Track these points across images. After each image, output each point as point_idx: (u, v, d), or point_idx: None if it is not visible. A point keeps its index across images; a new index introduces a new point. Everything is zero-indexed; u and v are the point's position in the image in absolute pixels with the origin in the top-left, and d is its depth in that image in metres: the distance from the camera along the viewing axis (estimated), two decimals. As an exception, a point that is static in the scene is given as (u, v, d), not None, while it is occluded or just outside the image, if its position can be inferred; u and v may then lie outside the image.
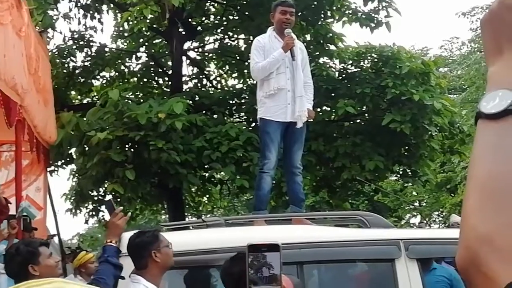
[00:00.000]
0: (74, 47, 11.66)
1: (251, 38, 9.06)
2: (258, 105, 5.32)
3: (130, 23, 11.19)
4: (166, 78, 12.55)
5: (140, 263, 3.24)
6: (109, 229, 3.42)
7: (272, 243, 1.81)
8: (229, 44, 12.81)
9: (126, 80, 12.67)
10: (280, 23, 5.27)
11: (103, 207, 11.74)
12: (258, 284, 1.75)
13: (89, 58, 11.83)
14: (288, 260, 3.70)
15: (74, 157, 10.80)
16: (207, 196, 13.84)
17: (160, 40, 12.82)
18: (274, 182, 8.33)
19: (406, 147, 10.92)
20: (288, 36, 5.20)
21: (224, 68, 13.26)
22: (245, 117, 11.48)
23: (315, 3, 10.62)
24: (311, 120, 5.62)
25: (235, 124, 10.43)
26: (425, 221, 24.16)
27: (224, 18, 12.26)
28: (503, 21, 0.80)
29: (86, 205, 11.56)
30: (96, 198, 11.27)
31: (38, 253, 3.31)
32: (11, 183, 7.11)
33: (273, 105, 5.15)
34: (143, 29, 11.39)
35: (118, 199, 10.50)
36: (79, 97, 12.70)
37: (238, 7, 11.79)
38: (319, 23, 10.96)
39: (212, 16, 12.61)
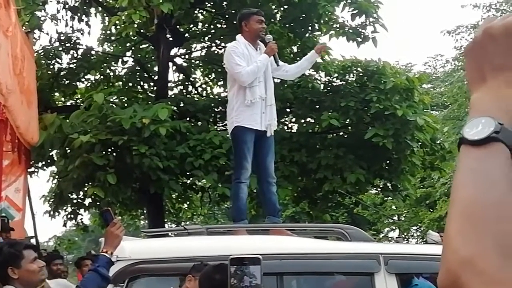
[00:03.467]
0: (60, 48, 11.60)
1: (228, 44, 9.09)
2: (233, 113, 5.16)
3: (118, 27, 11.15)
4: (152, 84, 12.53)
5: None
6: (106, 239, 3.32)
7: (253, 256, 1.83)
8: (216, 52, 12.83)
9: (111, 84, 12.62)
10: (257, 32, 5.24)
11: (81, 210, 11.66)
12: (240, 294, 1.77)
13: (74, 61, 11.78)
14: (268, 271, 3.72)
15: (55, 159, 10.71)
16: (188, 203, 13.79)
17: (147, 45, 12.80)
18: (254, 191, 8.35)
19: (388, 161, 11.01)
20: (271, 42, 5.23)
21: (210, 76, 13.27)
22: (229, 126, 11.47)
23: (303, 15, 10.70)
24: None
25: (219, 132, 10.43)
26: (403, 236, 24.30)
27: (212, 26, 12.29)
28: (486, 50, 0.83)
29: (65, 207, 11.45)
30: (75, 201, 11.18)
31: (21, 256, 3.23)
32: (-10, 183, 7.02)
33: (251, 114, 5.09)
34: (131, 33, 11.34)
35: (98, 203, 10.44)
36: (63, 99, 12.62)
37: (227, 16, 11.83)
38: (307, 35, 11.04)
39: (200, 24, 12.64)
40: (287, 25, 10.75)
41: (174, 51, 12.26)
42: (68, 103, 12.49)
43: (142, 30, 11.46)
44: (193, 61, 13.36)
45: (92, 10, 11.95)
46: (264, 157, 5.19)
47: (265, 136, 5.18)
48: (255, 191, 7.79)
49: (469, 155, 0.78)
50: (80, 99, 11.88)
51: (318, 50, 5.60)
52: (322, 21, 10.84)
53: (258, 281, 1.78)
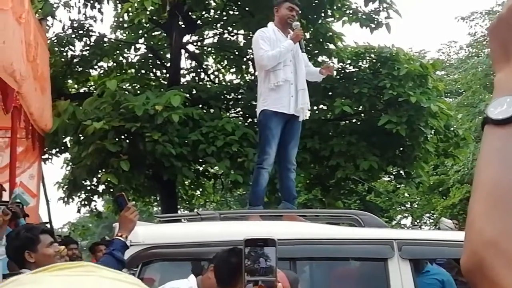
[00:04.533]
0: (73, 36, 11.62)
1: (251, 34, 9.06)
2: (260, 98, 5.24)
3: (130, 14, 11.15)
4: (164, 71, 12.53)
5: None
6: (121, 223, 3.36)
7: (268, 237, 1.83)
8: (228, 39, 12.80)
9: (124, 71, 12.64)
10: (285, 18, 5.31)
11: (95, 197, 11.74)
12: (254, 275, 1.77)
13: (87, 48, 11.79)
14: (281, 256, 3.72)
15: (69, 145, 10.77)
16: (200, 189, 13.84)
17: (159, 32, 12.79)
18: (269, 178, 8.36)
19: (401, 149, 10.95)
20: (297, 28, 5.25)
21: (222, 63, 13.25)
22: (241, 113, 11.49)
23: (316, 1, 10.62)
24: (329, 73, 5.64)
25: (232, 119, 10.43)
26: (416, 223, 24.25)
27: (224, 13, 12.24)
28: (510, 28, 0.80)
29: (79, 194, 11.53)
30: (89, 188, 11.26)
31: (38, 240, 3.28)
32: (5, 169, 7.09)
33: (277, 97, 5.13)
34: (143, 20, 11.35)
35: (111, 190, 10.50)
36: (76, 86, 12.66)
37: (239, 2, 11.78)
38: (319, 21, 10.96)
39: (212, 11, 12.59)
40: (300, 12, 10.65)
41: (186, 38, 12.25)
42: (81, 90, 12.53)
43: (154, 17, 11.44)
44: (205, 48, 13.34)
45: (105, -3, 11.94)
46: (288, 142, 5.21)
47: (295, 120, 5.21)
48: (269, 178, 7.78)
49: (493, 134, 0.76)
50: (93, 86, 11.91)
51: (321, 72, 5.50)
52: (335, 7, 10.77)
53: (273, 263, 1.78)
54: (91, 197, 11.61)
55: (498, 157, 0.74)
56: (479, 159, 0.77)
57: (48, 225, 8.41)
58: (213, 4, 12.42)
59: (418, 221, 24.72)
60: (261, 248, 1.78)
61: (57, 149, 11.35)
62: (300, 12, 5.58)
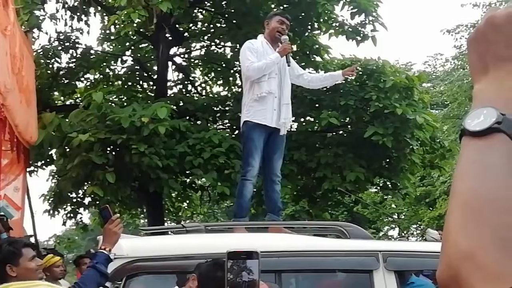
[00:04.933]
0: (60, 48, 11.58)
1: (238, 46, 9.09)
2: (244, 109, 5.25)
3: (117, 26, 11.15)
4: (151, 83, 12.52)
5: None
6: (104, 236, 3.34)
7: (251, 250, 1.82)
8: (215, 51, 12.83)
9: (110, 83, 12.61)
10: (274, 31, 5.34)
11: (81, 209, 11.66)
12: (237, 288, 1.76)
13: (74, 60, 11.75)
14: (267, 268, 3.71)
15: (55, 158, 10.70)
16: (187, 202, 13.79)
17: (146, 44, 12.79)
18: (255, 190, 8.36)
19: (387, 160, 11.00)
20: (286, 42, 5.28)
21: (209, 75, 13.27)
22: (228, 124, 11.49)
23: (303, 14, 10.69)
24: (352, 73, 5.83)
25: (219, 131, 10.43)
26: (403, 234, 24.31)
27: (211, 26, 12.28)
28: (489, 40, 0.81)
29: (65, 206, 11.45)
30: (75, 200, 11.18)
31: (20, 254, 3.25)
32: (-11, 182, 7.02)
33: (260, 109, 5.14)
34: (130, 33, 11.35)
35: (97, 202, 10.44)
36: (62, 98, 12.60)
37: (226, 15, 11.82)
38: (306, 34, 11.03)
39: (199, 23, 12.63)
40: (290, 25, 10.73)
41: (173, 50, 12.27)
42: (68, 102, 12.48)
43: (141, 30, 11.45)
44: (192, 60, 13.35)
45: (91, 9, 11.92)
46: (272, 154, 5.22)
47: (277, 133, 5.22)
48: (255, 189, 7.78)
49: (470, 146, 0.77)
50: (79, 98, 11.87)
51: (345, 73, 5.67)
52: (321, 20, 10.83)
53: (256, 276, 1.78)
54: (77, 210, 11.52)
55: (474, 169, 0.74)
56: (456, 170, 0.77)
57: (33, 238, 8.35)
58: (201, 16, 12.47)
59: (405, 232, 24.78)
60: (243, 261, 1.78)
61: (43, 162, 11.27)
62: (290, 25, 5.62)
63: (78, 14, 11.61)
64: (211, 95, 12.83)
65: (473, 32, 0.84)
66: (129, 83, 12.55)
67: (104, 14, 12.12)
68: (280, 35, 5.32)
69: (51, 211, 11.41)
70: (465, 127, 0.78)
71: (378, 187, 13.37)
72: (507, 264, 0.67)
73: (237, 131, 10.81)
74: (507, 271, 0.67)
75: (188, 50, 13.05)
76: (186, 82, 13.12)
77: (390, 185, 11.83)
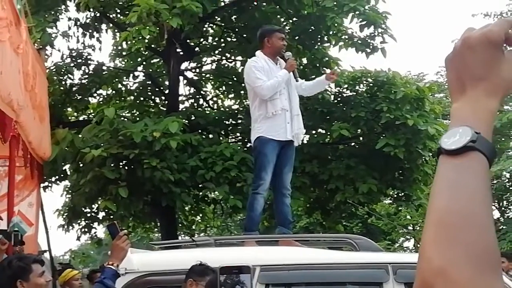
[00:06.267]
0: (72, 64, 11.72)
1: (248, 60, 9.15)
2: (255, 125, 5.31)
3: (129, 42, 11.27)
4: (163, 97, 12.61)
5: None
6: (112, 251, 3.39)
7: (242, 265, 1.85)
8: (226, 65, 12.91)
9: (122, 99, 12.73)
10: (279, 49, 5.45)
11: (95, 224, 11.72)
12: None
13: (86, 76, 11.89)
14: (277, 281, 3.73)
15: (68, 173, 10.80)
16: (201, 215, 13.82)
17: (158, 59, 12.91)
18: (268, 203, 8.38)
19: (400, 171, 10.96)
20: (291, 58, 5.41)
21: (220, 89, 13.34)
22: (240, 138, 11.53)
23: (312, 27, 10.74)
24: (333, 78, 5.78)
25: (230, 144, 10.47)
26: (418, 245, 24.12)
27: (222, 40, 12.37)
28: (465, 60, 0.83)
29: (79, 221, 11.53)
30: (88, 215, 11.25)
31: (30, 270, 3.29)
32: (3, 198, 7.09)
33: (274, 125, 5.21)
34: (141, 48, 11.46)
35: (111, 216, 10.50)
36: (75, 114, 12.73)
37: (236, 29, 11.91)
38: (316, 47, 11.07)
39: (210, 38, 12.72)
40: (296, 37, 10.79)
41: (184, 65, 12.36)
42: (81, 118, 12.60)
43: (152, 45, 11.56)
44: (203, 74, 13.45)
45: (103, 26, 12.08)
46: (282, 167, 5.26)
47: (289, 146, 5.29)
48: (268, 202, 7.81)
49: (446, 164, 0.78)
50: (92, 114, 11.98)
51: (328, 77, 5.70)
52: (331, 33, 10.87)
53: (248, 290, 1.80)
54: (91, 224, 11.59)
55: (449, 186, 0.76)
56: (432, 188, 0.78)
57: (47, 253, 8.41)
58: (211, 31, 12.56)
59: (420, 243, 24.57)
60: (237, 276, 1.80)
61: (57, 177, 11.37)
62: (293, 35, 5.74)
63: (90, 31, 11.76)
64: (222, 108, 12.90)
65: (451, 52, 0.86)
66: (141, 98, 12.66)
67: (116, 30, 12.26)
68: (284, 51, 5.44)
69: (66, 226, 11.49)
70: (441, 145, 0.79)
71: (392, 199, 13.30)
72: (479, 280, 0.69)
73: (248, 144, 10.85)
74: (479, 287, 0.68)
75: (199, 65, 13.15)
76: (197, 96, 13.20)
77: (403, 197, 11.77)
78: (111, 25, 12.14)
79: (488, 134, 0.79)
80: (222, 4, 11.36)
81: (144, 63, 12.93)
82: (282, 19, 11.15)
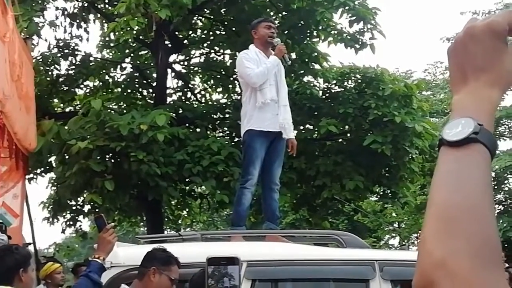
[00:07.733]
0: (59, 55, 11.58)
1: (237, 53, 9.10)
2: (245, 118, 5.27)
3: (116, 33, 11.17)
4: (150, 90, 12.53)
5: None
6: (99, 244, 3.34)
7: (231, 256, 1.82)
8: (215, 58, 12.85)
9: (109, 90, 12.62)
10: (265, 37, 5.39)
11: (80, 217, 11.64)
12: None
13: (73, 67, 11.76)
14: (263, 277, 3.71)
15: (54, 165, 10.69)
16: (187, 209, 13.76)
17: (145, 51, 12.82)
18: (255, 198, 8.36)
19: (387, 168, 10.99)
20: (279, 43, 5.36)
21: (209, 82, 13.28)
22: (228, 132, 11.49)
23: (302, 22, 10.71)
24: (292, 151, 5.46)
25: (218, 138, 10.43)
26: (404, 243, 24.26)
27: (211, 33, 12.31)
28: (467, 51, 0.82)
29: (64, 214, 11.43)
30: (74, 208, 11.16)
31: (29, 263, 3.23)
32: (-13, 189, 7.01)
33: (263, 116, 5.18)
34: (129, 40, 11.38)
35: (97, 210, 10.43)
36: (61, 105, 12.61)
37: (225, 23, 11.85)
38: (305, 42, 11.04)
39: (199, 30, 12.66)
40: (286, 32, 10.76)
41: (173, 57, 12.29)
42: (67, 110, 12.48)
43: (140, 37, 11.47)
44: (192, 67, 13.37)
45: (91, 16, 11.96)
46: (272, 162, 5.23)
47: (279, 139, 5.24)
48: (254, 198, 7.79)
49: (447, 156, 0.77)
50: (79, 106, 11.87)
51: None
52: (320, 28, 10.85)
53: (237, 282, 1.77)
54: (76, 217, 11.50)
55: (450, 178, 0.75)
56: (433, 180, 0.77)
57: (32, 246, 8.33)
58: (200, 24, 12.49)
59: (405, 241, 24.72)
60: (224, 267, 1.77)
61: (42, 169, 11.26)
62: (281, 30, 5.67)
63: (78, 21, 11.64)
64: (210, 102, 12.84)
65: (453, 43, 0.85)
66: (128, 90, 12.56)
67: (104, 21, 12.14)
68: (271, 39, 5.38)
69: (51, 219, 11.39)
70: (443, 137, 0.78)
71: (378, 196, 13.34)
72: (480, 272, 0.68)
73: (236, 139, 10.82)
74: (480, 279, 0.68)
75: (188, 58, 13.07)
76: (185, 90, 13.14)
77: (389, 194, 11.81)
78: (99, 15, 12.02)
79: (490, 126, 0.78)
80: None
81: (132, 54, 12.83)
82: (272, 13, 11.10)
